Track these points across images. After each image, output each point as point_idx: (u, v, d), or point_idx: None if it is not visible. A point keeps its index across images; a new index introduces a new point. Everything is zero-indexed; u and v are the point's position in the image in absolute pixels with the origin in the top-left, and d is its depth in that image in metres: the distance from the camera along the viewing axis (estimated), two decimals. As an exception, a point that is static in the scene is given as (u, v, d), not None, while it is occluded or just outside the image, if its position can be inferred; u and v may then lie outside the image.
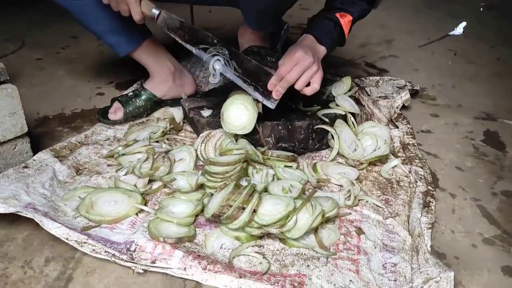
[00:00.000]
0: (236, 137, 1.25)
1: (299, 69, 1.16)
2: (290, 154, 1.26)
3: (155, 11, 1.22)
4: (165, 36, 1.31)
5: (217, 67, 1.23)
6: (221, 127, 1.28)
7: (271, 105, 1.22)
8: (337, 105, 1.37)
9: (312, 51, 1.21)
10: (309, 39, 1.28)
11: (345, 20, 1.31)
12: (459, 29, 2.60)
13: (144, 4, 1.21)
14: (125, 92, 1.56)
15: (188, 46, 1.25)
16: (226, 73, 1.24)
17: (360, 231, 1.05)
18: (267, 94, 1.21)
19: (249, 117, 1.21)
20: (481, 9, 3.03)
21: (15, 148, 1.19)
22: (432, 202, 1.14)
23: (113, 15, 1.23)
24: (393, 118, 1.51)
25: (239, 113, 1.21)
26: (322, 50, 1.28)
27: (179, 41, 1.24)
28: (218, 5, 1.62)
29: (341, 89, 1.47)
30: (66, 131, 1.45)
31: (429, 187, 1.19)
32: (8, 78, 1.12)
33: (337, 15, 1.30)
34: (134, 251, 0.95)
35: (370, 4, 1.35)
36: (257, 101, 1.23)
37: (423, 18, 2.78)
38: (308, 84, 1.21)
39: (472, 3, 3.14)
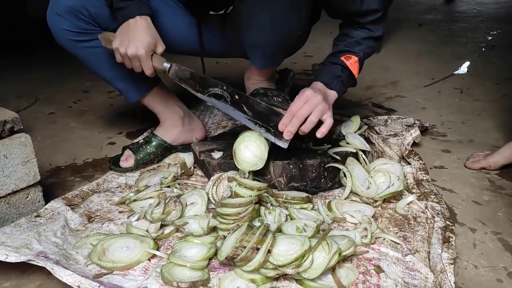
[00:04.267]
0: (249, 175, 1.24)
1: (309, 107, 1.17)
2: (304, 195, 1.24)
3: (166, 65, 1.26)
4: (174, 82, 1.34)
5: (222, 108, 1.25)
6: (232, 169, 1.28)
7: (284, 144, 1.22)
8: (347, 143, 1.37)
9: (322, 94, 1.22)
10: (319, 85, 1.30)
11: (351, 62, 1.32)
12: (463, 69, 2.63)
13: (156, 59, 1.25)
14: (136, 140, 1.58)
15: (199, 95, 1.27)
16: (237, 118, 1.26)
17: (379, 270, 1.02)
18: (279, 134, 1.22)
19: (260, 154, 1.22)
20: (483, 49, 3.09)
21: (27, 197, 1.20)
22: (452, 237, 1.11)
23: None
24: (404, 155, 1.50)
25: (251, 150, 1.22)
26: (333, 94, 1.31)
27: (191, 90, 1.27)
28: (226, 57, 1.67)
29: (350, 128, 1.47)
30: (78, 180, 1.46)
31: (448, 222, 1.16)
32: (22, 127, 1.14)
33: (342, 58, 1.32)
34: (147, 297, 0.92)
35: (377, 39, 1.37)
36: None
37: (426, 60, 2.84)
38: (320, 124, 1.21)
39: (473, 45, 3.21)
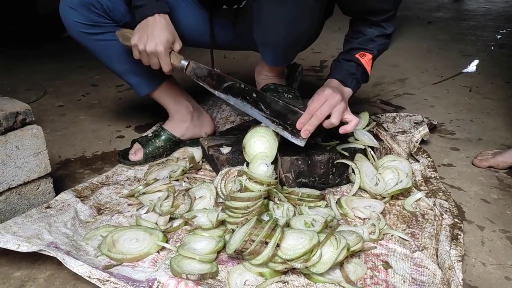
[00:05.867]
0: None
1: (328, 106, 1.18)
2: (318, 193, 1.24)
3: (184, 62, 1.26)
4: (184, 77, 1.34)
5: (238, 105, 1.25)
6: (241, 164, 1.28)
7: (300, 143, 1.22)
8: (356, 139, 1.37)
9: (339, 92, 1.23)
10: (334, 83, 1.31)
11: (365, 59, 1.33)
12: (471, 67, 2.62)
13: (174, 56, 1.26)
14: (145, 134, 1.58)
15: (216, 93, 1.27)
16: (254, 115, 1.26)
17: (387, 265, 1.02)
18: (296, 133, 1.21)
19: (270, 148, 1.22)
20: (492, 47, 3.07)
21: (38, 188, 1.21)
22: (460, 235, 1.11)
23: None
24: (412, 152, 1.50)
25: (260, 144, 1.22)
26: (348, 91, 1.31)
27: (208, 88, 1.27)
28: (237, 49, 1.67)
29: (359, 124, 1.47)
30: (87, 173, 1.47)
31: (456, 220, 1.16)
32: (33, 119, 1.15)
33: (357, 55, 1.33)
34: (157, 288, 0.93)
35: (389, 37, 1.38)
36: (276, 133, 1.24)
37: (435, 58, 2.82)
38: (341, 124, 1.22)
39: (482, 43, 3.19)
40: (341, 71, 1.33)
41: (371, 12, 1.33)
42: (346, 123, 1.22)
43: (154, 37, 1.21)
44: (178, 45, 1.27)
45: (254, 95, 1.24)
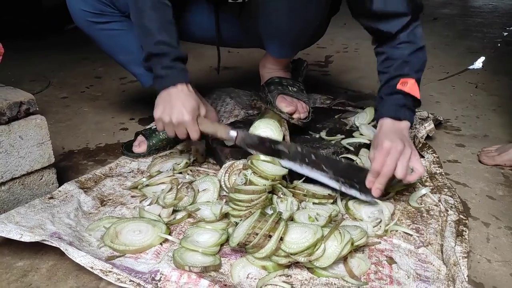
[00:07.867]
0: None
1: (393, 159, 1.10)
2: (327, 192, 1.20)
3: (233, 133, 1.22)
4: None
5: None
6: (244, 158, 1.27)
7: (372, 200, 1.16)
8: (361, 134, 1.36)
9: (398, 135, 1.14)
10: (388, 123, 1.20)
11: (409, 86, 1.20)
12: (478, 64, 2.60)
13: (221, 127, 1.23)
14: (149, 126, 1.58)
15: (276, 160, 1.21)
16: (316, 178, 1.19)
17: (391, 261, 1.01)
18: (365, 190, 1.15)
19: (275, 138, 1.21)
20: (499, 44, 3.05)
21: (41, 179, 1.20)
22: (465, 231, 1.10)
23: (140, 47, 1.26)
24: (418, 148, 1.49)
25: (266, 135, 1.21)
26: (405, 125, 1.20)
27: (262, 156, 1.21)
28: (243, 47, 1.66)
29: (364, 119, 1.47)
30: (91, 164, 1.46)
31: (461, 216, 1.15)
32: (37, 109, 1.15)
33: (398, 87, 1.20)
34: (159, 280, 0.92)
35: (422, 49, 1.27)
36: (283, 126, 1.23)
37: (441, 54, 2.81)
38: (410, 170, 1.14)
39: (489, 40, 3.17)
40: (389, 108, 1.20)
41: (381, 16, 1.22)
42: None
43: (179, 106, 1.18)
44: (203, 110, 1.24)
45: (313, 157, 1.18)
